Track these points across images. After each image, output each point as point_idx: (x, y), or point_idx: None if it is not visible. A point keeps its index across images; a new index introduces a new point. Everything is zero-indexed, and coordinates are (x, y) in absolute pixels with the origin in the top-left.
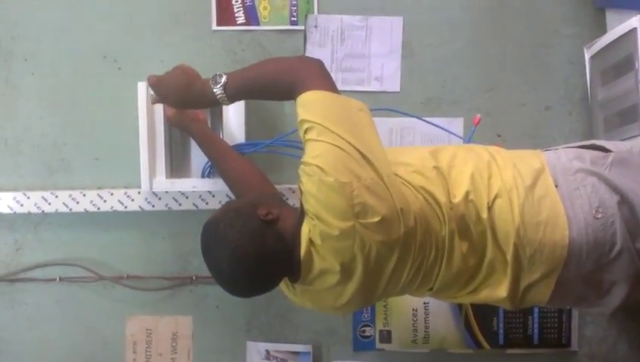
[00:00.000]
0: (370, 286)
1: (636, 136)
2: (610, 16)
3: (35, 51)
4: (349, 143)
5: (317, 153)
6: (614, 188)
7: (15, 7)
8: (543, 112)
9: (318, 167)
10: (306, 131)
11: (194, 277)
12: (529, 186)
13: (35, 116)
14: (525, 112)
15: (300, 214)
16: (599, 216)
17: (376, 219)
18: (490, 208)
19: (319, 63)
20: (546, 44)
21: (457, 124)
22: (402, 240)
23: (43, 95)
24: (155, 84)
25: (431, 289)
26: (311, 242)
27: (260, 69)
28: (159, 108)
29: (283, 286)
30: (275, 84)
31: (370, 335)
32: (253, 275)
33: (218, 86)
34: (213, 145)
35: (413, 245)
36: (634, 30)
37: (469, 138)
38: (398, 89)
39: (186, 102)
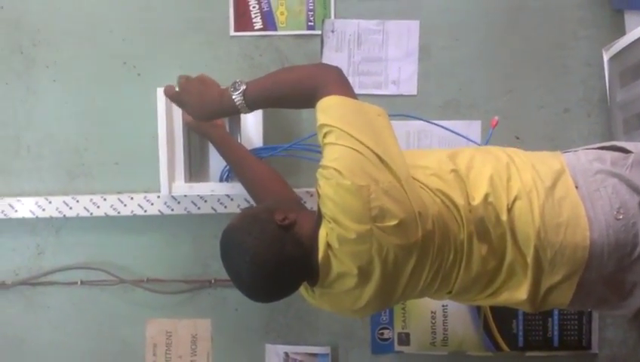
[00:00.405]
0: (389, 289)
1: None
2: (629, 17)
3: (56, 58)
4: (367, 147)
5: (335, 156)
6: (635, 189)
7: (36, 14)
8: (561, 114)
9: (335, 170)
10: (324, 135)
11: (213, 281)
12: (549, 187)
13: (56, 122)
14: (544, 114)
15: (318, 218)
16: (620, 216)
17: (394, 222)
18: (509, 210)
19: (338, 70)
20: (563, 46)
21: (475, 127)
22: (420, 243)
23: (64, 101)
24: (175, 95)
25: (450, 292)
26: (328, 246)
27: (280, 77)
28: (178, 113)
29: (302, 289)
30: (294, 91)
31: (389, 338)
32: (273, 281)
33: (237, 93)
34: (231, 149)
35: (431, 248)
36: None
37: (487, 140)
38: (415, 92)
39: (205, 112)
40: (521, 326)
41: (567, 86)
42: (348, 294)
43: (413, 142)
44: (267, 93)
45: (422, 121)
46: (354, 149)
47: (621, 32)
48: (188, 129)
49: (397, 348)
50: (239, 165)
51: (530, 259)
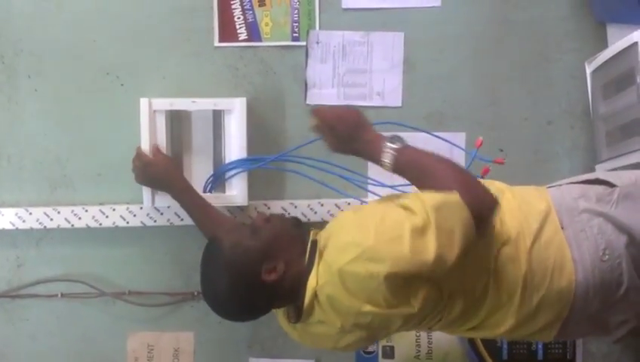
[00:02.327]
0: (372, 338)
1: (638, 150)
2: (611, 30)
3: (38, 68)
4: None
5: (397, 256)
6: (621, 228)
7: (19, 24)
8: (545, 126)
9: (387, 274)
10: (412, 212)
11: (196, 293)
12: (536, 231)
13: (38, 132)
14: (527, 126)
15: (309, 263)
16: (606, 258)
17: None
18: (496, 258)
19: (494, 206)
20: (547, 59)
21: (459, 139)
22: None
23: (46, 111)
24: (327, 116)
25: (430, 328)
26: (315, 295)
27: (437, 168)
28: (161, 124)
29: (282, 322)
30: (437, 187)
31: (373, 351)
32: (237, 318)
33: (391, 147)
34: (193, 197)
35: (417, 314)
36: (635, 45)
37: (471, 161)
38: (399, 104)
39: (349, 146)
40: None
41: (551, 98)
42: (329, 337)
43: None
44: (414, 171)
45: (407, 133)
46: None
47: (604, 45)
48: (172, 139)
49: (381, 361)
50: (206, 216)
51: (514, 308)
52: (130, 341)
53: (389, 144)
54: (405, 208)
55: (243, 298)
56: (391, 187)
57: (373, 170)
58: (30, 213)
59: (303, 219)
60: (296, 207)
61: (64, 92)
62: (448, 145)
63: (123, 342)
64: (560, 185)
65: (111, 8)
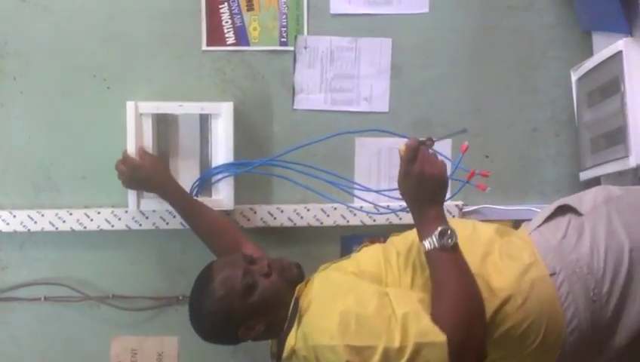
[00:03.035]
0: None
1: (622, 157)
2: (597, 39)
3: (24, 70)
4: None
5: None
6: (606, 263)
7: (4, 26)
8: (530, 133)
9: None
10: (397, 330)
11: (180, 297)
12: (527, 289)
13: (23, 135)
14: (513, 133)
15: (290, 321)
16: (595, 298)
17: None
18: (492, 321)
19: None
20: (533, 66)
21: (445, 145)
22: None
23: (31, 114)
24: (408, 171)
25: None
26: (293, 351)
27: (456, 291)
28: (148, 127)
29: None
30: (442, 303)
31: None
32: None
33: (439, 240)
34: (185, 199)
35: None
36: (619, 53)
37: (457, 164)
38: (386, 109)
39: (413, 195)
40: None
41: (536, 105)
42: None
43: (384, 159)
44: (436, 274)
45: (393, 139)
46: None
47: (589, 53)
48: (158, 143)
49: None
50: (197, 213)
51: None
52: (113, 345)
53: (438, 236)
54: (395, 319)
55: (219, 335)
56: (376, 192)
57: (360, 176)
58: (14, 216)
59: (289, 224)
60: (282, 211)
61: (50, 94)
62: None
63: (106, 346)
64: (539, 227)
65: (98, 10)
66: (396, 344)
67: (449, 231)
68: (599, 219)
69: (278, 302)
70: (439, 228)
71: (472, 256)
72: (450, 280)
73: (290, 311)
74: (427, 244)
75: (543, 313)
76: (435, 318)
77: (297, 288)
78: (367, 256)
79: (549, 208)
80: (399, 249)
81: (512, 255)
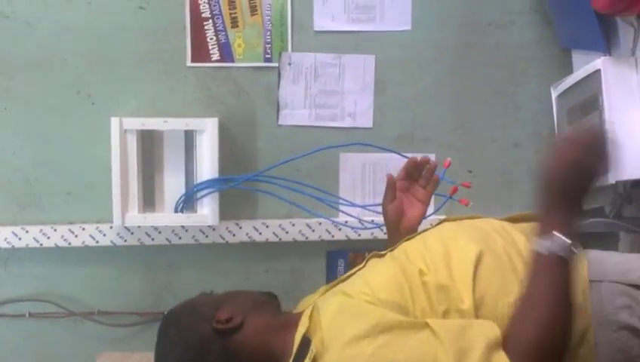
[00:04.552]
0: None
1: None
2: (576, 57)
3: (7, 86)
4: None
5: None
6: None
7: None
8: (512, 149)
9: None
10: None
11: (166, 313)
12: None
13: (7, 151)
14: (495, 148)
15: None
16: None
17: None
18: None
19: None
20: (514, 83)
21: None
22: None
23: (15, 130)
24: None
25: None
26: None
27: (546, 312)
28: (132, 142)
29: None
30: (523, 316)
31: None
32: None
33: (560, 244)
34: None
35: None
36: (598, 72)
37: (439, 180)
38: (370, 125)
39: (548, 192)
40: None
41: (518, 121)
42: None
43: (368, 174)
44: (534, 283)
45: (377, 154)
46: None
47: (569, 70)
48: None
49: None
50: None
51: None
52: (99, 361)
53: (563, 239)
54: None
55: (197, 357)
56: (361, 207)
57: (344, 191)
58: None
59: (275, 239)
60: (267, 226)
61: (34, 110)
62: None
63: None
64: (601, 281)
65: (82, 26)
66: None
67: (577, 246)
68: None
69: (251, 300)
70: (568, 231)
71: None
72: (545, 300)
73: (295, 352)
74: (542, 243)
75: None
76: (510, 339)
77: (304, 327)
78: (381, 277)
79: (630, 267)
80: (421, 267)
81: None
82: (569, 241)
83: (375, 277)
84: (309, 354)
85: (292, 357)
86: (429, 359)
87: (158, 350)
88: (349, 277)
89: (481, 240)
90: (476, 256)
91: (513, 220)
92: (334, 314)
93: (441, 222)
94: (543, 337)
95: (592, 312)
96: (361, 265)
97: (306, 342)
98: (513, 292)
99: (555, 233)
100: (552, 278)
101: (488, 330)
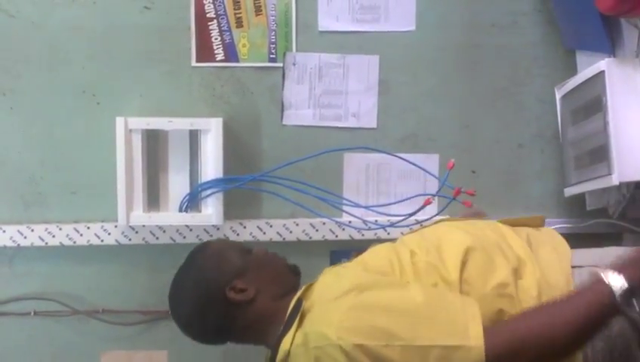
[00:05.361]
0: None
1: (605, 175)
2: (580, 58)
3: (14, 86)
4: None
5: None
6: None
7: None
8: (516, 149)
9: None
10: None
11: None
12: None
13: (13, 150)
14: (499, 149)
15: (289, 320)
16: None
17: None
18: None
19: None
20: (518, 83)
21: (433, 161)
22: None
23: (21, 129)
24: None
25: None
26: (288, 354)
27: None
28: (137, 142)
29: None
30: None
31: None
32: (186, 327)
33: (628, 301)
34: None
35: None
36: (602, 73)
37: (444, 181)
38: (375, 125)
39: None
40: None
41: (522, 122)
42: None
43: (372, 175)
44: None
45: (381, 154)
46: None
47: (573, 71)
48: (148, 158)
49: None
50: None
51: None
52: (103, 360)
53: (630, 287)
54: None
55: (198, 305)
56: (365, 207)
57: (348, 191)
58: (3, 231)
59: (278, 239)
60: (271, 226)
61: (40, 110)
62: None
63: (96, 361)
64: (581, 266)
65: (87, 26)
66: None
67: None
68: None
69: (275, 273)
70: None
71: None
72: (571, 318)
73: (288, 313)
74: (612, 276)
75: None
76: (501, 326)
77: (303, 289)
78: (376, 253)
79: None
80: (413, 248)
81: None
82: (633, 294)
83: (369, 255)
84: (300, 311)
85: (286, 316)
86: (408, 311)
87: (177, 278)
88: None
89: (473, 234)
90: (467, 246)
91: (511, 224)
92: (325, 280)
93: (441, 220)
94: (534, 343)
95: None
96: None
97: (298, 303)
98: (502, 274)
99: (626, 277)
100: (592, 307)
101: (470, 301)
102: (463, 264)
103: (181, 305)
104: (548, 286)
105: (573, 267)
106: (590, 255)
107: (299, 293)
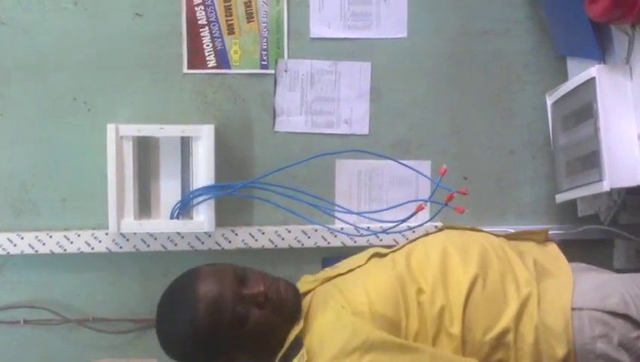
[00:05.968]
0: None
1: (596, 181)
2: (571, 64)
3: (4, 92)
4: None
5: None
6: None
7: None
8: (507, 156)
9: None
10: None
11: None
12: None
13: (3, 157)
14: (491, 156)
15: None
16: None
17: None
18: None
19: None
20: (509, 90)
21: (425, 167)
22: None
23: (11, 136)
24: None
25: None
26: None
27: None
28: (128, 149)
29: None
30: None
31: None
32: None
33: None
34: None
35: None
36: (592, 79)
37: (436, 187)
38: (366, 132)
39: None
40: None
41: (513, 128)
42: None
43: (364, 181)
44: None
45: (373, 161)
46: None
47: (564, 77)
48: (139, 165)
49: None
50: None
51: None
52: None
53: None
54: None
55: (191, 354)
56: (357, 214)
57: (340, 198)
58: None
59: (270, 246)
60: (263, 233)
61: (30, 117)
62: (414, 173)
63: None
64: (581, 309)
65: (78, 33)
66: None
67: None
68: None
69: (269, 337)
70: None
71: None
72: None
73: (286, 348)
74: None
75: None
76: None
77: (299, 327)
78: (380, 288)
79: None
80: (421, 284)
81: (547, 340)
82: None
83: (374, 286)
84: (298, 357)
85: (282, 352)
86: None
87: (166, 317)
88: (349, 272)
89: (479, 261)
90: (471, 279)
91: (516, 238)
92: (327, 323)
93: (442, 228)
94: None
95: (572, 340)
96: (361, 261)
97: (297, 342)
98: (500, 323)
99: None
100: None
101: None
102: (466, 307)
103: (173, 348)
104: (545, 329)
105: (573, 309)
106: (590, 290)
107: (297, 329)
